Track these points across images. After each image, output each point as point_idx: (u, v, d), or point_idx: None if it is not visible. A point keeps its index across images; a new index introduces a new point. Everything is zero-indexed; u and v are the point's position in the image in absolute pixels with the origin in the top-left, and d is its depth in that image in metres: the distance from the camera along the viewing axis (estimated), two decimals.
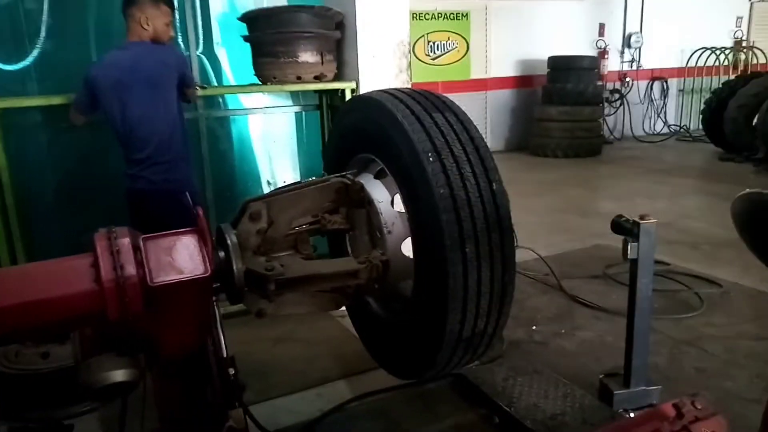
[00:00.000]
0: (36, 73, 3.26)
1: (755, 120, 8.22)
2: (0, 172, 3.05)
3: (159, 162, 3.00)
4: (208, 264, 1.50)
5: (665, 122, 11.68)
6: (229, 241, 1.72)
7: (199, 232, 1.54)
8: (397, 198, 2.07)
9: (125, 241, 1.45)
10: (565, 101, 9.35)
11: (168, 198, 2.97)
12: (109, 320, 1.41)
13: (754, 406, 2.62)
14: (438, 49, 9.33)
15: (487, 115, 9.93)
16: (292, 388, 2.90)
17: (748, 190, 1.23)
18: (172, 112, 3.03)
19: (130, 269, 1.42)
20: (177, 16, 3.56)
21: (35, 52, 3.23)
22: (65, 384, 2.57)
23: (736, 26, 12.11)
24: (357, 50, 3.46)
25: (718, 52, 11.42)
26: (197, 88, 3.30)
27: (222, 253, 1.70)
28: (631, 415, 2.54)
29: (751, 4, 12.15)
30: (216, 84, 3.95)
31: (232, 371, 1.73)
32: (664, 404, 1.72)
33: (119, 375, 1.53)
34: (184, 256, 1.50)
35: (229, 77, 4.03)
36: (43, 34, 3.22)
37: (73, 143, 3.45)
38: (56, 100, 3.07)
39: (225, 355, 1.76)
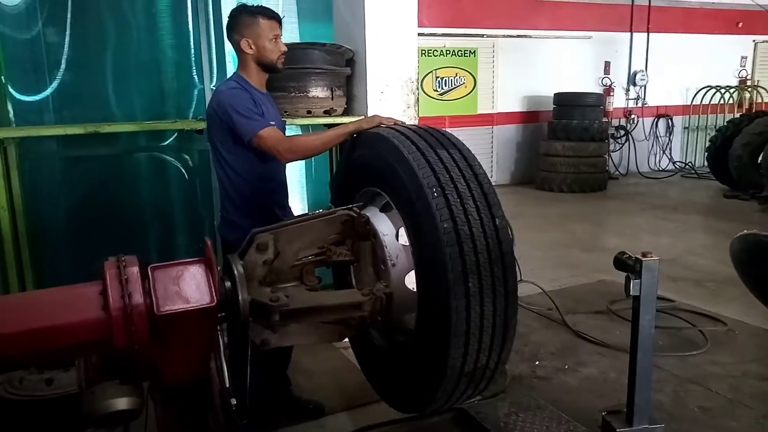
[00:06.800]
0: (54, 103, 3.34)
1: (760, 158, 8.24)
2: (14, 199, 3.11)
3: None
4: (214, 294, 1.52)
5: (670, 159, 11.73)
6: (235, 272, 1.75)
7: (207, 261, 1.57)
8: (402, 231, 2.10)
9: (134, 270, 1.48)
10: (570, 137, 9.43)
11: None
12: (114, 348, 1.43)
13: None
14: (446, 85, 9.48)
15: (493, 150, 10.03)
16: (294, 419, 2.89)
17: (745, 231, 1.26)
18: (217, 166, 2.65)
19: (138, 298, 1.44)
20: (192, 48, 3.66)
21: (54, 84, 3.32)
22: (69, 411, 2.57)
23: (741, 65, 12.25)
24: (366, 86, 3.54)
25: (722, 90, 11.54)
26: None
27: (228, 283, 1.73)
28: None
29: (755, 43, 12.31)
30: None
31: (233, 401, 1.74)
32: None
33: (122, 403, 1.54)
34: (191, 286, 1.52)
35: None
36: (63, 66, 3.31)
37: (87, 172, 3.52)
38: (72, 130, 3.14)
39: (227, 384, 1.78)
